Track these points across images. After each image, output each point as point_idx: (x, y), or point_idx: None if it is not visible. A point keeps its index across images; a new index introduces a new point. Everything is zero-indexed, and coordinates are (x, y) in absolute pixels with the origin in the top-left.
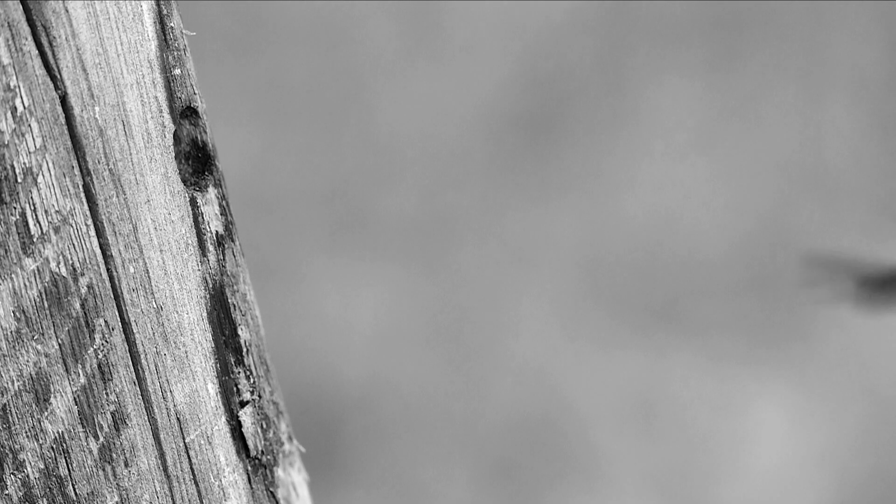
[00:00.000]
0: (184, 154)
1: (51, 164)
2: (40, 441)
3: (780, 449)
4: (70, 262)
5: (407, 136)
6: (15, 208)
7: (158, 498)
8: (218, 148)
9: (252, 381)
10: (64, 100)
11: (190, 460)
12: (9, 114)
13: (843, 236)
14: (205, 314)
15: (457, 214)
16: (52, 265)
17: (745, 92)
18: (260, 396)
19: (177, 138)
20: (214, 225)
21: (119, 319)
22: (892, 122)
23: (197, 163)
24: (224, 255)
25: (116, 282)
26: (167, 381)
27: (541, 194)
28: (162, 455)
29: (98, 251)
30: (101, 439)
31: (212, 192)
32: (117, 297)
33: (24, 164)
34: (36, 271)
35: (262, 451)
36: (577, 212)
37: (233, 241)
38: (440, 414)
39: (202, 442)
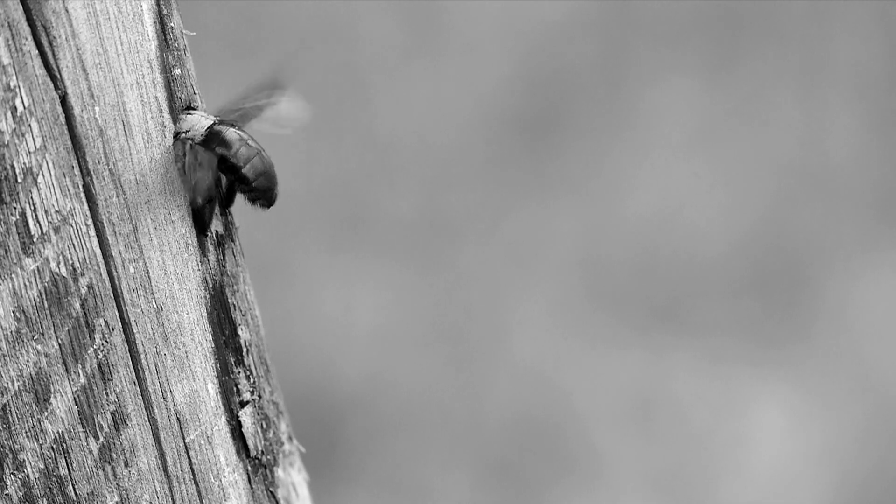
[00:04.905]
0: None
1: (51, 164)
2: (40, 441)
3: (780, 449)
4: (70, 262)
5: (407, 136)
6: (15, 208)
7: (158, 498)
8: None
9: (252, 381)
10: (64, 100)
11: (190, 460)
12: (9, 114)
13: (842, 235)
14: (205, 314)
15: (457, 214)
16: (52, 265)
17: (745, 92)
18: (260, 396)
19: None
20: (214, 225)
21: (119, 319)
22: (892, 122)
23: None
24: (224, 255)
25: (116, 282)
26: (167, 381)
27: (541, 194)
28: (162, 455)
29: (98, 251)
30: (101, 439)
31: None
32: (117, 297)
33: (24, 164)
34: (36, 271)
35: (262, 451)
36: (577, 212)
37: (233, 241)
38: (440, 414)
39: (202, 442)
